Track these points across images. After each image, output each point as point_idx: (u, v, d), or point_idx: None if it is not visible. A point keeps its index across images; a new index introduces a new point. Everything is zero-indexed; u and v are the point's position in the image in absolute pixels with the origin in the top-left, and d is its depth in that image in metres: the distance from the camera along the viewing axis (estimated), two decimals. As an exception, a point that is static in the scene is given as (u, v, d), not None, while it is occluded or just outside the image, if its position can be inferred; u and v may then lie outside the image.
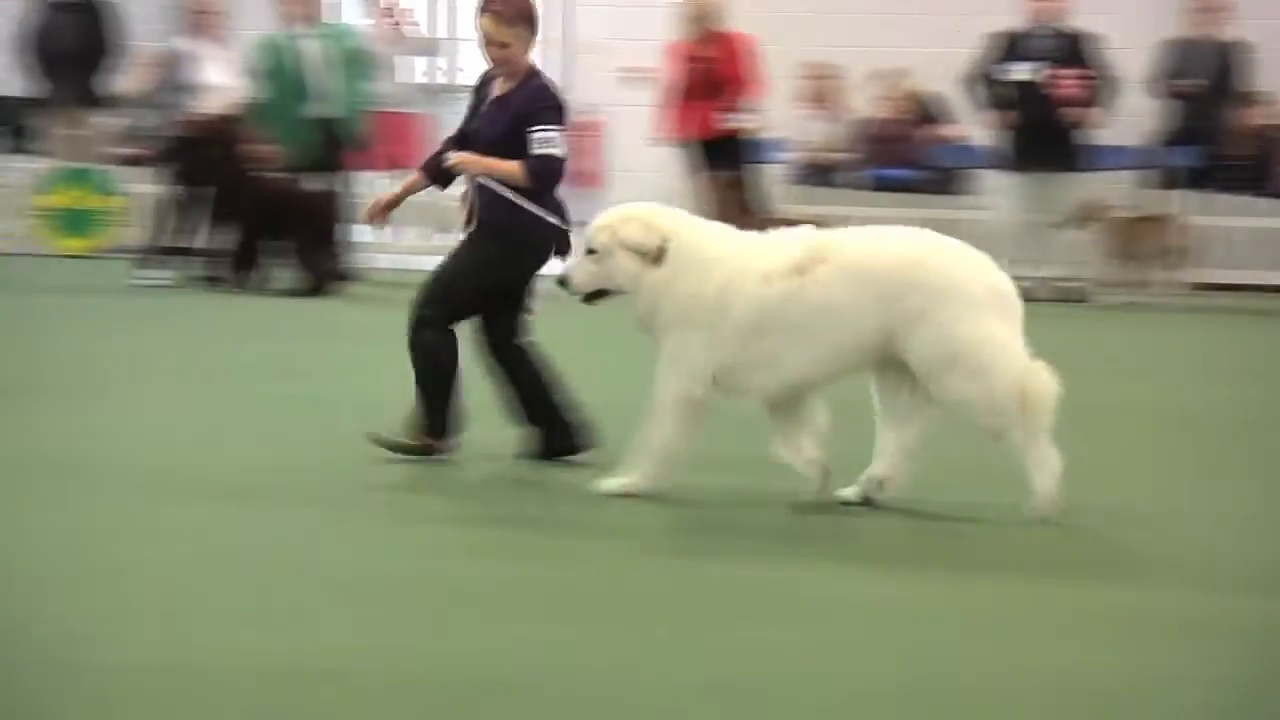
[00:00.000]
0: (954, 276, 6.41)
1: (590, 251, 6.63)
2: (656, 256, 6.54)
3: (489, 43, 7.06)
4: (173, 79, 13.25)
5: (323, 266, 13.18)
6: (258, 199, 12.98)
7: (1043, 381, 6.40)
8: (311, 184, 13.49)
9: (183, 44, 13.41)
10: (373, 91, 13.81)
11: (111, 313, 12.21)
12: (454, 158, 7.08)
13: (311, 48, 13.39)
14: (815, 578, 5.45)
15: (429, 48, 15.91)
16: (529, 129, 7.01)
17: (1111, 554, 5.94)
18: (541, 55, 18.46)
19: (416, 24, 15.81)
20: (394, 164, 15.52)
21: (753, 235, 6.70)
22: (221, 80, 13.37)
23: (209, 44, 13.48)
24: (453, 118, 21.72)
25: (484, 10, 7.04)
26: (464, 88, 18.96)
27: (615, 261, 6.56)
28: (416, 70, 15.87)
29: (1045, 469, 6.31)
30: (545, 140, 7.00)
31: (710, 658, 4.49)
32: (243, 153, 13.01)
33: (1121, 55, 14.59)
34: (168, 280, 13.14)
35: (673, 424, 6.54)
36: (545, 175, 7.04)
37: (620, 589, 5.27)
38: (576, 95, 18.29)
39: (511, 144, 6.99)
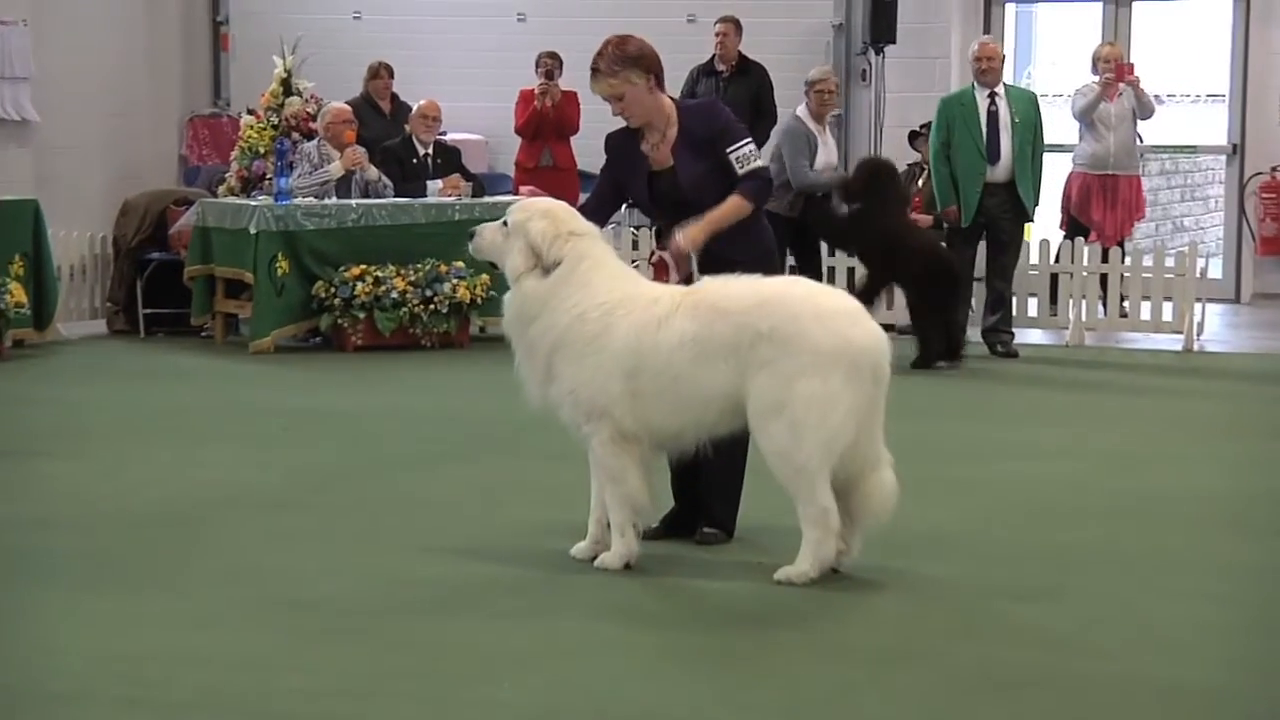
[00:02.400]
0: (807, 329, 6.51)
1: (505, 222, 6.88)
2: (546, 267, 6.76)
3: (610, 101, 7.29)
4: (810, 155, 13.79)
5: (938, 336, 13.15)
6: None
7: (882, 483, 6.68)
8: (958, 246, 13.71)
9: (810, 123, 13.91)
10: (1043, 160, 13.89)
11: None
12: (681, 242, 7.17)
13: (995, 109, 13.66)
14: None
15: (1151, 108, 15.78)
16: (726, 149, 7.22)
17: None
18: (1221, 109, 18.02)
19: (1139, 79, 15.67)
20: (1119, 232, 15.52)
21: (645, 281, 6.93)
22: (830, 161, 13.86)
23: (822, 126, 13.97)
24: (1156, 180, 21.25)
25: (592, 74, 7.28)
26: (1165, 150, 18.99)
27: (513, 246, 6.82)
28: (1133, 129, 15.68)
29: (813, 555, 6.60)
30: (748, 156, 7.25)
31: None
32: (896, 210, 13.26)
33: None
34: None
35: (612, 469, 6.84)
36: (765, 191, 7.32)
37: None
38: (1261, 151, 17.87)
39: (721, 174, 7.23)
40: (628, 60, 7.22)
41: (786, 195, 13.55)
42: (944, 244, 14.03)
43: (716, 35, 15.58)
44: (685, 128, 7.32)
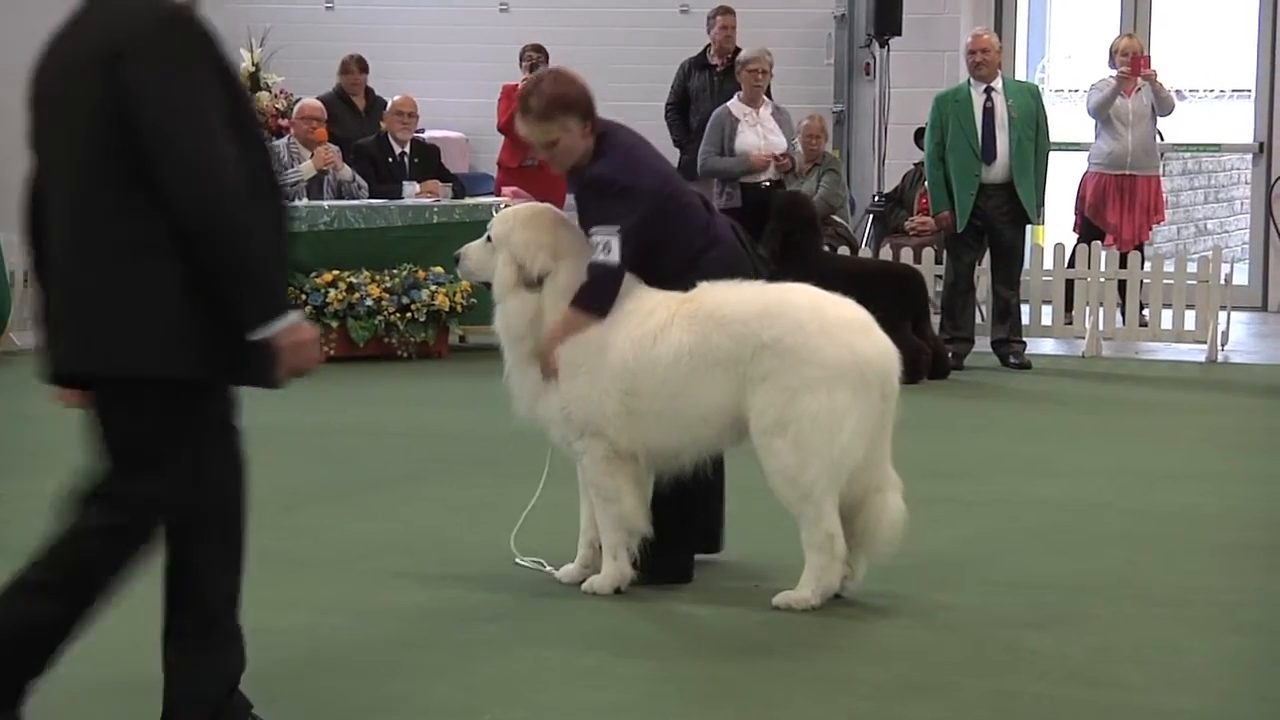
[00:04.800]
0: (811, 340, 6.49)
1: (489, 238, 6.87)
2: (530, 281, 6.76)
3: (539, 147, 6.98)
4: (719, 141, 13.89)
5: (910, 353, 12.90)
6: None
7: (888, 508, 6.65)
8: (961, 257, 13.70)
9: (735, 107, 13.97)
10: (1048, 157, 13.87)
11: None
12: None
13: (990, 105, 13.66)
14: None
15: (1170, 104, 15.75)
16: (588, 229, 6.86)
17: None
18: None
19: (1156, 72, 15.64)
20: (1137, 236, 15.49)
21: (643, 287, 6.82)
22: (759, 143, 13.87)
23: (755, 108, 14.01)
24: (1178, 180, 21.10)
25: (520, 114, 6.94)
26: (1187, 148, 19.00)
27: (498, 261, 6.81)
28: (1152, 127, 15.62)
29: (815, 581, 6.60)
30: (598, 245, 6.78)
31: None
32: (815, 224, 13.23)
33: None
34: None
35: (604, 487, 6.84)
36: (598, 293, 6.79)
37: None
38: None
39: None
40: (567, 105, 6.86)
41: (721, 186, 13.87)
42: (945, 251, 14.04)
43: (720, 29, 15.55)
44: (584, 180, 7.00)
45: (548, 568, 7.20)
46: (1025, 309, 14.40)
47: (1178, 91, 16.29)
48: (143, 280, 4.74)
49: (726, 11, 15.62)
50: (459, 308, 13.94)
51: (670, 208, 6.99)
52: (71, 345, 4.83)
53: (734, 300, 6.72)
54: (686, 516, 7.14)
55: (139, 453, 4.85)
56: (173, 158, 4.67)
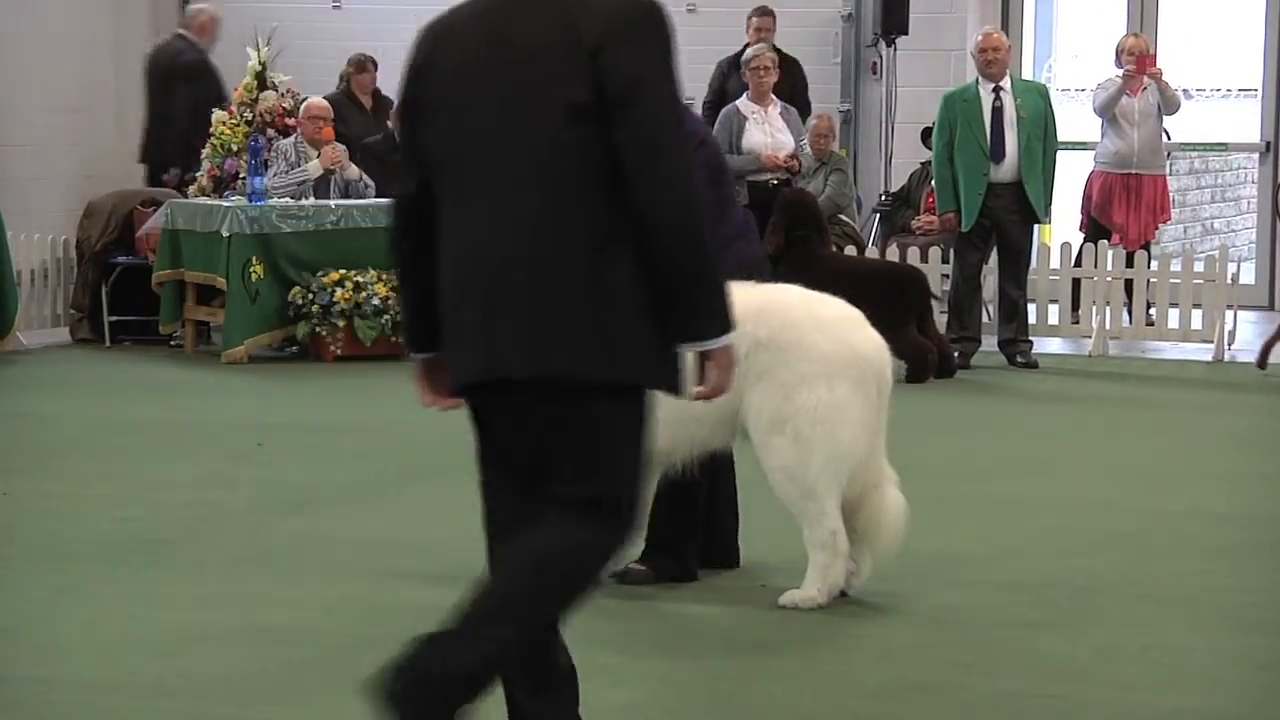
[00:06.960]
0: (807, 337, 6.52)
1: None
2: None
3: None
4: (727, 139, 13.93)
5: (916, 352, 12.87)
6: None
7: (889, 503, 6.63)
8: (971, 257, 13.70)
9: (743, 106, 14.02)
10: (1056, 156, 13.87)
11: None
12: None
13: (999, 104, 13.66)
14: None
15: (1176, 103, 15.74)
16: None
17: None
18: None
19: (1162, 71, 15.63)
20: (1143, 235, 15.49)
21: None
22: (766, 141, 13.90)
23: (763, 107, 14.05)
24: (1184, 180, 21.03)
25: None
26: (1194, 147, 19.02)
27: None
28: (1158, 126, 15.60)
29: (820, 580, 6.59)
30: None
31: None
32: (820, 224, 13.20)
33: None
34: None
35: None
36: None
37: None
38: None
39: None
40: None
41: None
42: (953, 251, 14.02)
43: (754, 30, 15.45)
44: None
45: None
46: (1032, 308, 14.39)
47: (1184, 91, 16.27)
48: (619, 286, 4.49)
49: (764, 13, 15.59)
50: (465, 307, 13.89)
51: (720, 179, 7.13)
52: (556, 349, 4.54)
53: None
54: (687, 514, 7.11)
55: (614, 458, 4.73)
56: (659, 160, 4.43)
